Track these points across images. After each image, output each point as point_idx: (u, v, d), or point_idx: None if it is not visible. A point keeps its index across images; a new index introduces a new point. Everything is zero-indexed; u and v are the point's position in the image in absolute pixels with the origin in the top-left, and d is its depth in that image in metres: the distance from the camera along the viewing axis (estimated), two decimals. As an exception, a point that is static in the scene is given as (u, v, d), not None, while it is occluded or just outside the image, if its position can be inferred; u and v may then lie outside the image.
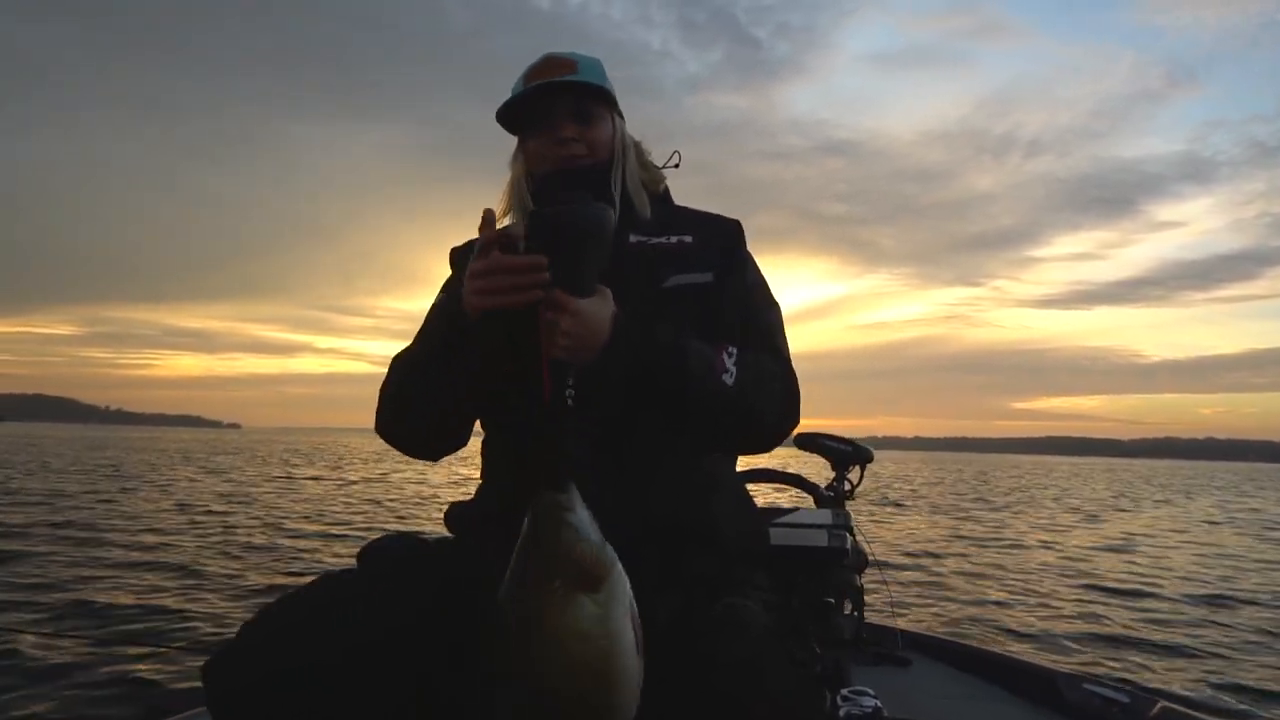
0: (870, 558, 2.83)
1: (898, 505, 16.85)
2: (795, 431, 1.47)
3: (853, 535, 2.71)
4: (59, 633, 4.54)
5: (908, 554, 9.46)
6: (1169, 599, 7.28)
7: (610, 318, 1.21)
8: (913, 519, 14.52)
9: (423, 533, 1.39)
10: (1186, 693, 4.44)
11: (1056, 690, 2.56)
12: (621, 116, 1.52)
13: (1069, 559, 9.84)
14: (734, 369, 1.29)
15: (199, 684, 1.09)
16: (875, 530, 11.94)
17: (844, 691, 2.31)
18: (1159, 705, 2.40)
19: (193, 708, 2.35)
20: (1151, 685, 4.47)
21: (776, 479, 2.86)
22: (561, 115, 1.43)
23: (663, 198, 1.56)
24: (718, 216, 1.54)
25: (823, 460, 2.97)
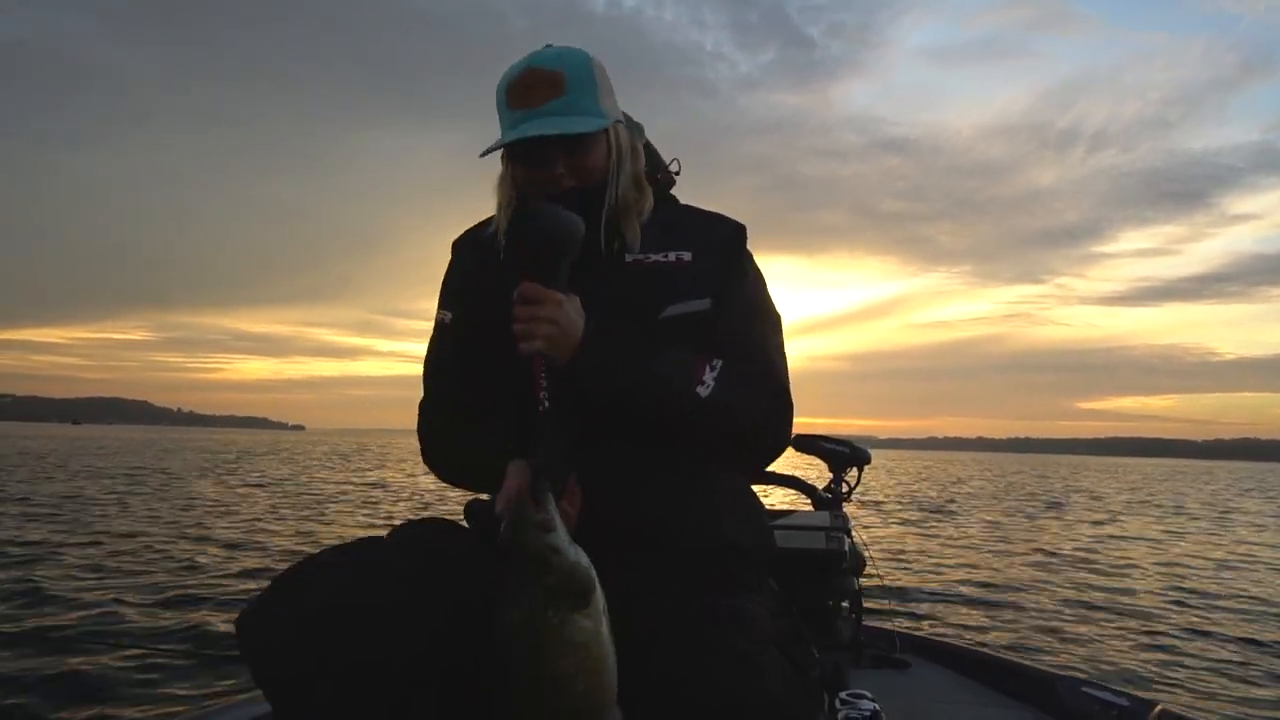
0: (868, 560, 2.84)
1: (940, 511, 16.47)
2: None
3: (850, 538, 2.72)
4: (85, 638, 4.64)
5: (910, 558, 9.31)
6: (1182, 606, 7.05)
7: (582, 316, 1.26)
8: (932, 522, 14.22)
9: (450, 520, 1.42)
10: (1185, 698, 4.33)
11: (1055, 693, 2.55)
12: (621, 119, 1.44)
13: (1087, 561, 9.58)
14: (712, 382, 1.30)
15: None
16: (890, 535, 11.70)
17: (842, 694, 2.32)
18: (1158, 708, 2.37)
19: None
20: (1149, 690, 4.37)
21: (772, 480, 2.88)
22: (551, 154, 1.36)
23: (666, 198, 1.51)
24: (721, 220, 1.50)
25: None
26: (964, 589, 7.35)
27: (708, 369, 1.31)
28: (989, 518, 15.21)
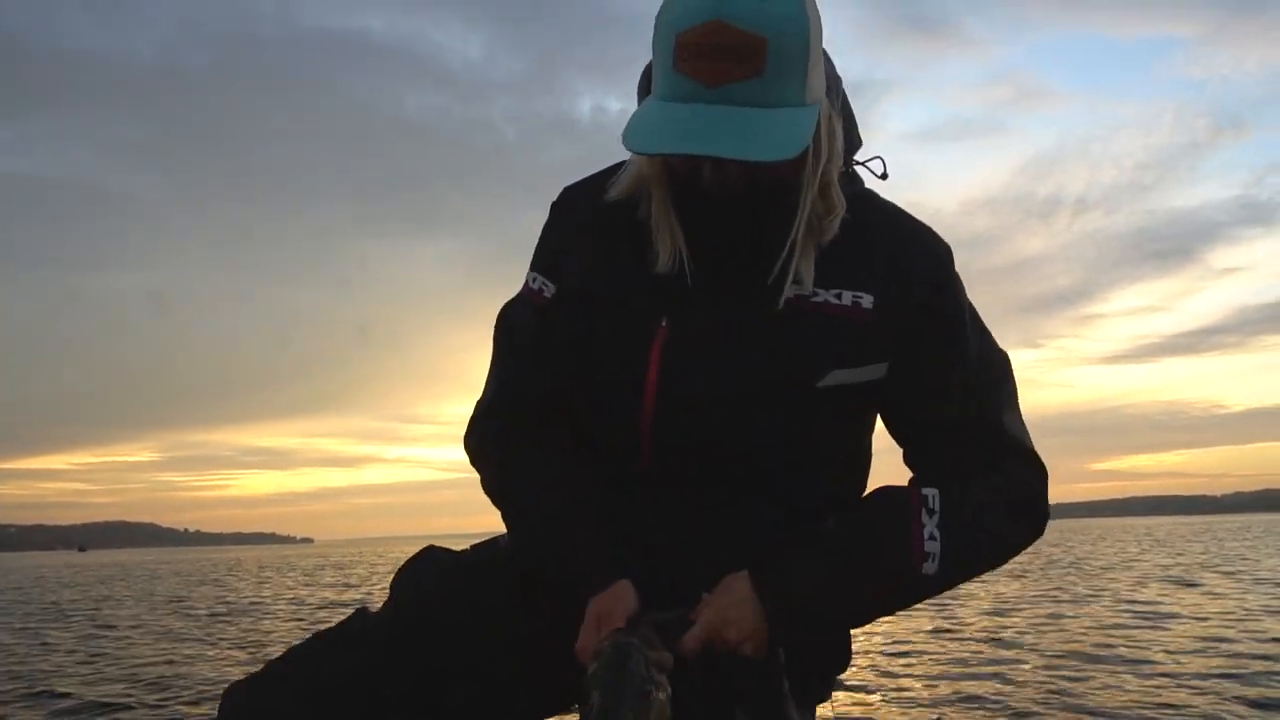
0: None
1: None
2: None
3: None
4: None
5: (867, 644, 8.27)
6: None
7: (750, 604, 0.99)
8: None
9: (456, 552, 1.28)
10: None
11: None
12: (829, 93, 1.02)
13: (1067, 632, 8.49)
14: (938, 550, 1.01)
15: None
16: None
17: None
18: None
19: None
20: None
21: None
22: (704, 160, 0.97)
23: (851, 196, 1.09)
24: (922, 243, 1.11)
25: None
26: (915, 673, 6.31)
27: (923, 518, 1.02)
28: (981, 597, 14.03)
